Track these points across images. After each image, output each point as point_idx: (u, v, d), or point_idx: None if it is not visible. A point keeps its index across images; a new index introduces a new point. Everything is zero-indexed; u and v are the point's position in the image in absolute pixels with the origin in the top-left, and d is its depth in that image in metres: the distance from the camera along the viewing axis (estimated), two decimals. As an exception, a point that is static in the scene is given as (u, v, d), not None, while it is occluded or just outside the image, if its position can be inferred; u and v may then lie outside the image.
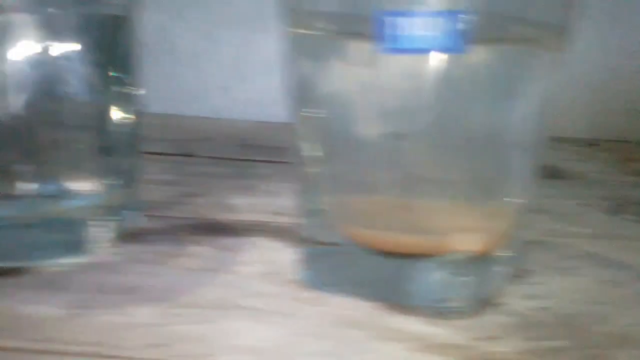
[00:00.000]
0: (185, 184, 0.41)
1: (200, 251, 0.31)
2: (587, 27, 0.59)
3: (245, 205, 0.38)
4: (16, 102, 0.28)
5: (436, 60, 0.22)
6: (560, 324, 0.26)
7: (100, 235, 0.31)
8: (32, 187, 0.29)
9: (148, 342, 0.24)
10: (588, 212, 0.41)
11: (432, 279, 0.26)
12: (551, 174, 0.50)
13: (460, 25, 0.21)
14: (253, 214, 0.36)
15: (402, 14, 0.21)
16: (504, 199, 0.28)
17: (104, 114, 0.30)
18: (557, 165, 0.52)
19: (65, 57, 0.29)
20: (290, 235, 0.32)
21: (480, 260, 0.27)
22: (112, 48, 0.30)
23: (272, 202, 0.38)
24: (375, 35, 0.22)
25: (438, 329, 0.25)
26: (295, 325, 0.25)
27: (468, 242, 0.26)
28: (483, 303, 0.27)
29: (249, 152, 0.51)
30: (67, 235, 0.29)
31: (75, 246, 0.29)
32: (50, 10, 0.28)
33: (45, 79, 0.28)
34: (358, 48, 0.25)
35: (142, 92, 0.33)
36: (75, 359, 0.23)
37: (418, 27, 0.21)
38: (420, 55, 0.23)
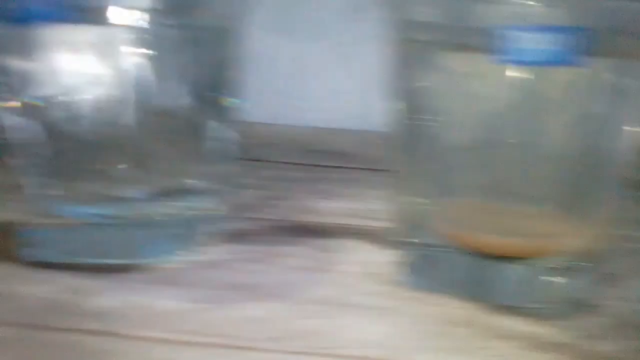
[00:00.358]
0: (265, 188, 0.43)
1: (300, 251, 0.33)
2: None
3: (327, 209, 0.39)
4: (121, 112, 0.30)
5: (550, 72, 0.24)
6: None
7: (206, 235, 0.32)
8: (140, 190, 0.31)
9: (268, 335, 0.25)
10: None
11: (530, 280, 0.28)
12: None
13: (579, 40, 0.23)
14: (337, 217, 0.38)
15: (525, 28, 0.22)
16: (598, 205, 0.29)
17: (206, 122, 0.32)
18: None
19: (168, 68, 0.30)
20: (379, 237, 0.34)
21: (575, 264, 0.28)
22: (214, 59, 0.32)
23: (352, 205, 0.40)
24: (489, 47, 0.24)
25: (541, 328, 0.26)
26: (405, 322, 0.26)
27: (564, 246, 0.28)
28: (580, 304, 0.28)
29: (316, 157, 0.52)
30: (176, 235, 0.31)
31: (184, 245, 0.31)
32: (153, 24, 0.29)
33: (148, 90, 0.30)
34: (468, 59, 0.26)
35: (239, 100, 0.34)
36: (202, 349, 0.24)
37: (538, 41, 0.22)
38: (531, 68, 0.24)
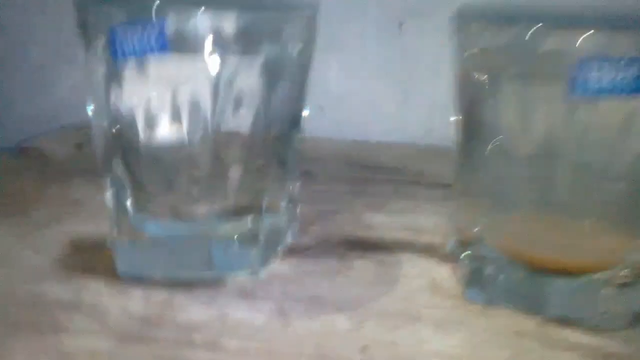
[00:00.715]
0: (319, 202, 0.45)
1: (362, 265, 0.34)
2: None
3: (382, 223, 0.41)
4: (200, 136, 0.31)
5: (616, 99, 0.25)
6: None
7: (276, 251, 0.34)
8: (216, 208, 0.33)
9: (352, 346, 0.27)
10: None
11: (588, 294, 0.29)
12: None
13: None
14: (392, 231, 0.40)
15: (597, 59, 0.24)
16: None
17: (280, 142, 0.34)
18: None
19: (246, 94, 0.31)
20: (435, 251, 0.36)
21: (633, 277, 0.30)
22: (291, 83, 0.34)
23: (405, 219, 0.42)
24: (560, 77, 0.25)
25: (604, 340, 0.28)
26: (474, 335, 0.28)
27: (620, 261, 0.29)
28: (634, 317, 0.29)
29: (362, 171, 0.54)
30: (246, 250, 0.33)
31: (259, 261, 0.33)
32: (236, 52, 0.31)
33: (225, 114, 0.32)
34: (537, 89, 0.28)
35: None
36: (284, 358, 0.26)
37: (611, 71, 0.24)
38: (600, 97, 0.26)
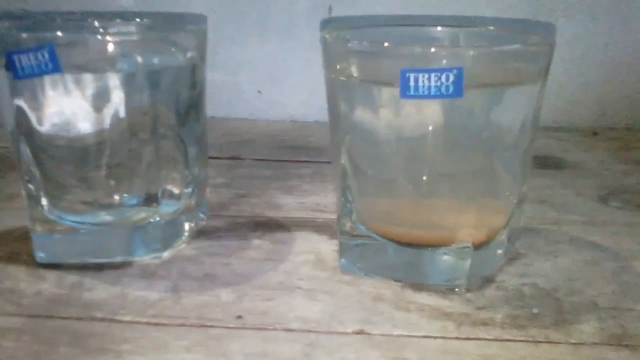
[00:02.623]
0: (238, 187, 0.49)
1: (259, 244, 0.39)
2: (593, 27, 0.66)
3: (291, 204, 0.46)
4: (111, 137, 0.35)
5: (441, 104, 0.30)
6: (541, 296, 0.33)
7: (181, 234, 0.39)
8: (128, 197, 0.37)
9: (231, 315, 0.32)
10: (582, 201, 0.48)
11: (443, 263, 0.34)
12: (555, 164, 0.57)
13: (459, 78, 0.29)
14: (299, 211, 0.44)
15: (418, 70, 0.29)
16: (502, 196, 0.35)
17: (181, 137, 0.38)
18: (560, 156, 0.60)
19: (148, 99, 0.35)
20: (330, 230, 0.40)
21: (482, 247, 0.34)
22: (185, 91, 0.38)
23: (313, 200, 0.46)
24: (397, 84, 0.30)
25: (447, 301, 0.33)
26: (338, 301, 0.33)
27: (472, 234, 0.34)
28: (484, 280, 0.34)
29: (288, 153, 0.58)
30: (157, 235, 0.37)
31: (162, 244, 0.37)
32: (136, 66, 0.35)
33: (134, 117, 0.36)
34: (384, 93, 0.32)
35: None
36: (177, 329, 0.31)
37: (428, 79, 0.29)
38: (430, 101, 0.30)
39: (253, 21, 0.69)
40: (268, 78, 0.71)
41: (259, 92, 0.72)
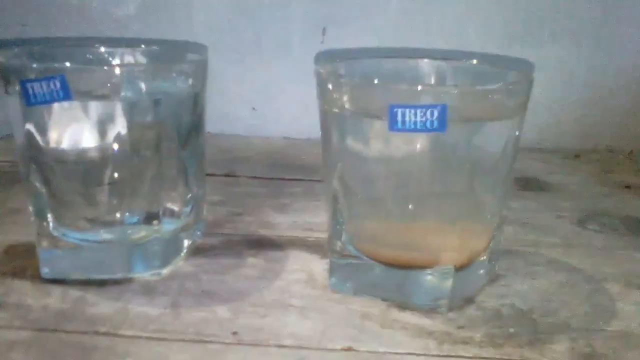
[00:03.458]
0: (233, 204, 0.51)
1: (254, 262, 0.41)
2: (576, 51, 0.69)
3: (283, 223, 0.48)
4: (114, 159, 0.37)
5: (426, 136, 0.32)
6: (518, 316, 0.36)
7: (179, 251, 0.41)
8: (130, 216, 0.39)
9: (228, 330, 0.34)
10: (560, 223, 0.50)
11: (427, 284, 0.36)
12: (537, 186, 0.60)
13: (443, 114, 0.31)
14: (291, 230, 0.46)
15: (405, 106, 0.31)
16: (484, 219, 0.37)
17: (180, 159, 0.40)
18: (542, 178, 0.62)
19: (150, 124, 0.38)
20: (321, 249, 0.42)
21: (464, 269, 0.37)
22: (186, 116, 0.40)
23: (304, 219, 0.49)
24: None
25: (430, 320, 0.35)
26: (328, 318, 0.35)
27: (454, 257, 0.36)
28: (465, 301, 0.37)
29: (281, 171, 0.61)
30: (156, 252, 0.39)
31: (162, 261, 0.39)
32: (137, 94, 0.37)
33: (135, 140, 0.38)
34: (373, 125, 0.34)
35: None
36: (177, 343, 0.33)
37: (415, 114, 0.31)
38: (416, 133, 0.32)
39: (249, 40, 0.71)
40: (262, 95, 0.74)
41: (254, 108, 0.74)
